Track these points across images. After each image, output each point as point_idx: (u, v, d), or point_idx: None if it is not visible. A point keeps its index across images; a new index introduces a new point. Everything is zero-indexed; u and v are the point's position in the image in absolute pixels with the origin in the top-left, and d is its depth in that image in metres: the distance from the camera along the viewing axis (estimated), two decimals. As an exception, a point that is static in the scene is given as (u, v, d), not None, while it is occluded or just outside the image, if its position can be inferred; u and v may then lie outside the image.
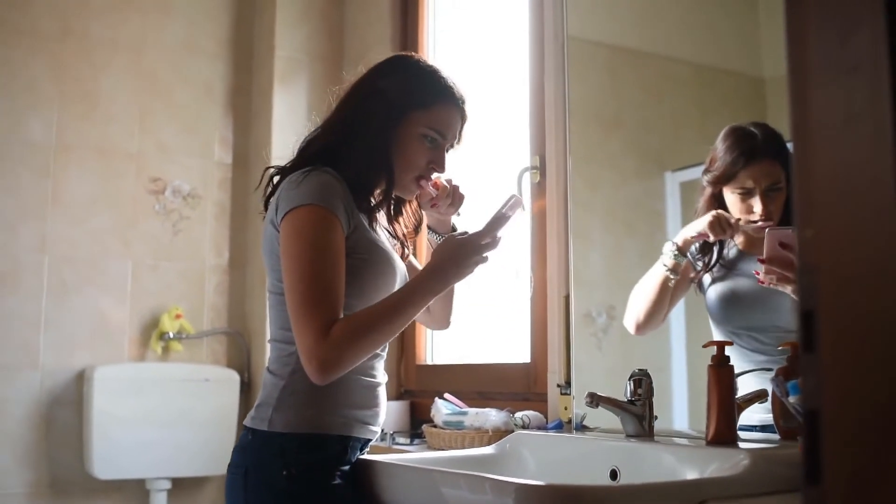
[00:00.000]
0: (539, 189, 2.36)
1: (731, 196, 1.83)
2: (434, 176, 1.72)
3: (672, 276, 1.88)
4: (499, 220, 1.63)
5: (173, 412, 3.04)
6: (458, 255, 1.60)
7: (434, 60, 1.76)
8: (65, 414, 3.02)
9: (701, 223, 1.85)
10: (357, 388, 1.61)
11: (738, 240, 1.87)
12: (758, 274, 1.64)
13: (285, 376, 1.59)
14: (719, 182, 1.84)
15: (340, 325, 1.51)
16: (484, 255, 1.62)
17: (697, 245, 1.90)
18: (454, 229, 1.83)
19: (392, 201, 1.74)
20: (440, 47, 3.07)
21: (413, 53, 1.78)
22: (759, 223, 1.77)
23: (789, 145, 1.61)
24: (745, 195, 1.80)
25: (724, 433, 1.54)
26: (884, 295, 0.74)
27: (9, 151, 3.03)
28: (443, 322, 1.88)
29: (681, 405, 2.03)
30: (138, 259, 3.19)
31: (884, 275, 0.74)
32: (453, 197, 1.77)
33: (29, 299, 3.01)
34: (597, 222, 2.31)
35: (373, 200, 1.68)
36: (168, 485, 3.02)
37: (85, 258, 3.11)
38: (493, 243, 1.62)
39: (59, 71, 3.13)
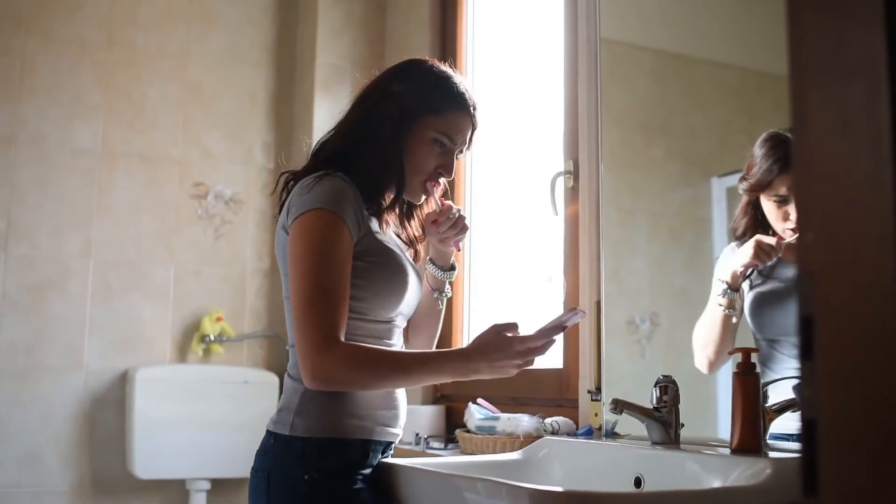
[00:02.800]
0: (572, 194, 2.35)
1: (767, 203, 1.80)
2: (440, 195, 1.74)
3: (731, 312, 1.84)
4: (555, 328, 1.60)
5: (213, 414, 3.08)
6: (497, 353, 1.57)
7: (448, 67, 1.75)
8: (108, 414, 3.09)
9: (745, 255, 1.81)
10: (376, 390, 1.62)
11: (790, 254, 1.84)
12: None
13: None
14: (755, 190, 1.81)
15: (350, 348, 1.53)
16: (528, 359, 1.59)
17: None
18: (453, 267, 1.84)
19: (403, 205, 1.75)
20: (479, 53, 3.08)
21: (427, 58, 1.78)
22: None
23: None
24: (781, 202, 1.77)
25: (748, 441, 1.52)
26: (882, 301, 0.73)
27: (56, 159, 3.11)
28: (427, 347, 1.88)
29: (726, 414, 2.00)
30: (181, 263, 3.25)
31: (882, 281, 0.73)
32: (456, 222, 1.76)
33: (74, 303, 3.09)
34: (641, 229, 2.29)
35: (383, 203, 1.69)
36: (207, 485, 3.07)
37: (129, 263, 3.17)
38: (543, 349, 1.59)
39: (105, 80, 3.20)
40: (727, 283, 1.83)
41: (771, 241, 1.78)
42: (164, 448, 3.00)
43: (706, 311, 1.91)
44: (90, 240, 3.13)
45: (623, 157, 2.23)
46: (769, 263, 1.80)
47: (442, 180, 1.73)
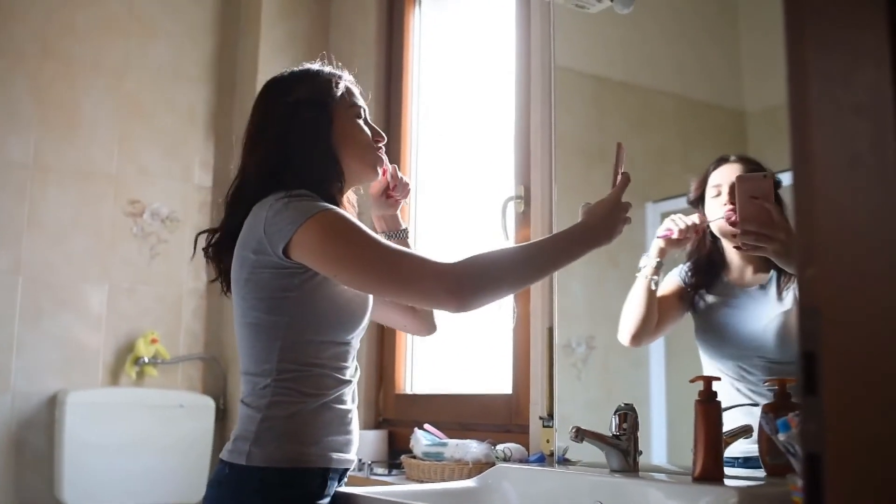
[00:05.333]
0: (524, 219, 2.35)
1: (708, 202, 1.87)
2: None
3: (653, 278, 1.89)
4: (626, 178, 1.66)
5: (147, 438, 2.98)
6: (611, 217, 1.61)
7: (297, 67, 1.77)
8: (35, 439, 2.95)
9: (662, 225, 1.90)
10: (331, 416, 1.58)
11: (732, 275, 1.87)
12: (734, 237, 1.64)
13: (262, 409, 1.55)
14: (699, 188, 1.90)
15: (466, 259, 1.52)
16: (628, 215, 1.64)
17: (689, 268, 1.91)
18: (406, 232, 1.84)
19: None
20: (425, 75, 3.07)
21: (281, 72, 1.76)
22: (724, 219, 1.81)
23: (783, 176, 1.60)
24: (718, 196, 1.85)
25: (710, 470, 1.52)
26: (889, 337, 0.73)
27: (-15, 171, 2.99)
28: (430, 326, 1.85)
29: (659, 439, 2.01)
30: (115, 282, 3.15)
31: (889, 316, 0.73)
32: (403, 182, 1.82)
33: (1, 322, 2.96)
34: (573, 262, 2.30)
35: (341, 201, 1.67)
36: (139, 513, 2.97)
37: (60, 281, 3.06)
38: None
39: (39, 91, 3.09)
40: (649, 255, 1.91)
41: (692, 217, 1.86)
42: (94, 474, 2.88)
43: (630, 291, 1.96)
44: (20, 257, 3.01)
45: (563, 180, 2.24)
46: (683, 237, 1.88)
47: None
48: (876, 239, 0.74)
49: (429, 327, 1.85)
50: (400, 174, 1.82)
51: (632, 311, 1.94)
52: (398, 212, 1.85)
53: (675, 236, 1.87)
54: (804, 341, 0.78)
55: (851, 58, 0.78)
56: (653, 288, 1.89)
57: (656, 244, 1.90)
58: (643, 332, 1.93)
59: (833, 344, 0.76)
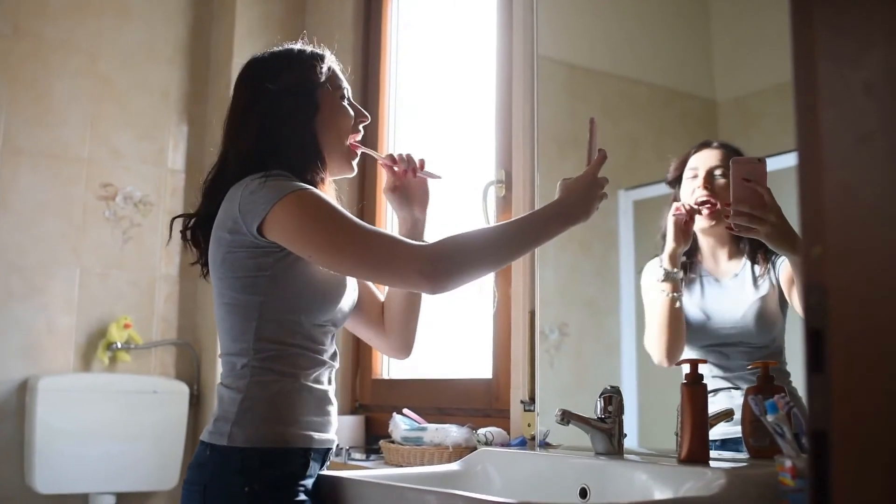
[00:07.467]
0: (504, 203, 2.34)
1: (685, 184, 1.88)
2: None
3: (676, 296, 1.85)
4: (602, 155, 1.63)
5: (120, 424, 2.95)
6: (589, 193, 1.58)
7: (277, 47, 1.72)
8: (5, 426, 2.91)
9: (669, 233, 1.85)
10: (309, 396, 1.57)
11: (706, 264, 1.88)
12: (727, 218, 1.64)
13: (243, 389, 1.53)
14: (678, 169, 1.90)
15: (441, 240, 1.50)
16: (604, 185, 1.61)
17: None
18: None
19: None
20: (402, 56, 3.05)
21: (257, 54, 1.71)
22: (698, 204, 1.82)
23: (779, 159, 1.61)
24: (694, 178, 1.86)
25: (697, 452, 1.53)
26: None
27: (-46, 152, 2.93)
28: (404, 349, 1.81)
29: (630, 423, 2.02)
30: (87, 267, 3.10)
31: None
32: (408, 159, 1.75)
33: (-29, 306, 2.90)
34: (551, 240, 2.30)
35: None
36: (113, 500, 2.94)
37: (32, 265, 3.01)
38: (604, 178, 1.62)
39: (9, 71, 3.03)
40: (665, 268, 1.86)
41: (680, 215, 1.83)
42: (66, 461, 2.85)
43: (649, 312, 1.93)
44: (-11, 240, 2.96)
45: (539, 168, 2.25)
46: (690, 225, 1.85)
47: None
48: (884, 217, 0.75)
49: (402, 349, 1.81)
50: (401, 154, 1.76)
51: (664, 334, 1.87)
52: (424, 214, 1.77)
53: (686, 247, 1.84)
54: (810, 319, 0.79)
55: (862, 38, 0.78)
56: (678, 305, 1.85)
57: (669, 253, 1.84)
58: (679, 349, 1.86)
59: (839, 322, 0.77)
